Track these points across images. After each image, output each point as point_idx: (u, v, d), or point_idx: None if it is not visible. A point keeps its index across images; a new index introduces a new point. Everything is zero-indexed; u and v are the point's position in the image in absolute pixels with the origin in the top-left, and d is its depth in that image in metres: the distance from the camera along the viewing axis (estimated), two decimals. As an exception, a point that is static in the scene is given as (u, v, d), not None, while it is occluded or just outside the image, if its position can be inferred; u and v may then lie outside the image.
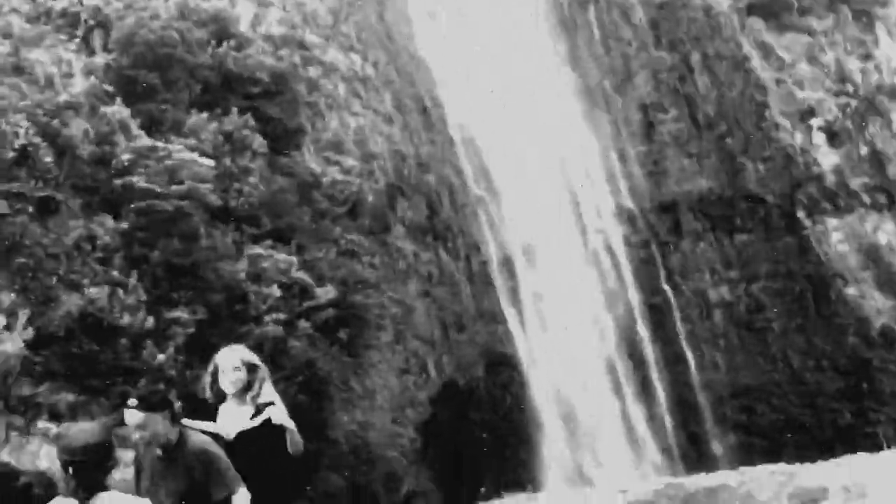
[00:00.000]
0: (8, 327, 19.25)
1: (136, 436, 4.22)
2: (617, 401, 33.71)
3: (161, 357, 21.34)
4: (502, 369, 31.89)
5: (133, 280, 22.51)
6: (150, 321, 21.91)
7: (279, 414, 4.64)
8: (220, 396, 4.70)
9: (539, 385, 32.26)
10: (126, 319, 21.48)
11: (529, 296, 33.47)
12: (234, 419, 4.49)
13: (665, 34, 40.91)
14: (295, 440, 4.61)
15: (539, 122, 34.67)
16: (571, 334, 32.92)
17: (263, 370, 4.72)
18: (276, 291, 23.90)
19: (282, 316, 23.51)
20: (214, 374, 4.65)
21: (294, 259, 25.18)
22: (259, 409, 4.47)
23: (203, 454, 3.93)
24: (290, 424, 4.61)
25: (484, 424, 30.08)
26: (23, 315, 19.88)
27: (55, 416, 19.03)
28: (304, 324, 24.05)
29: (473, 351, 30.54)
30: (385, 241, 28.69)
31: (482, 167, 34.27)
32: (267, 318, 23.33)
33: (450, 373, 28.99)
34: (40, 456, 9.02)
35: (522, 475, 28.97)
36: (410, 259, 29.21)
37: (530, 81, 35.28)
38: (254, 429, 4.43)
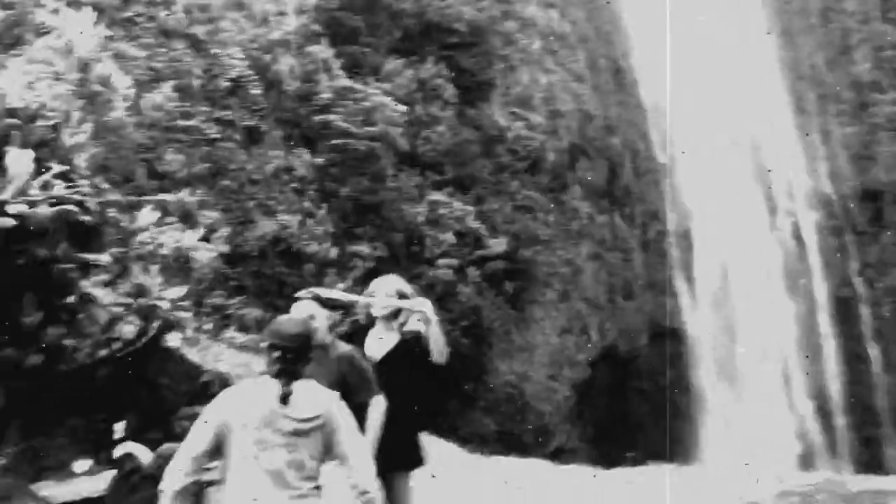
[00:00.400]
0: (206, 240, 21.25)
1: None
2: (786, 391, 32.21)
3: (340, 286, 22.80)
4: (667, 342, 31.34)
5: (323, 212, 24.10)
6: (335, 252, 23.44)
7: (428, 327, 4.90)
8: (371, 321, 5.10)
9: (705, 363, 31.45)
10: (313, 247, 23.09)
11: (704, 271, 32.48)
12: (379, 343, 4.89)
13: (895, 7, 37.50)
14: (439, 348, 4.89)
15: (736, 92, 33.09)
16: (745, 316, 31.68)
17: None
18: (450, 238, 24.73)
19: (454, 262, 24.33)
20: (367, 298, 5.08)
21: (471, 209, 25.89)
22: (404, 338, 4.83)
23: (350, 359, 4.39)
24: (435, 333, 4.87)
25: (641, 394, 29.86)
26: (223, 232, 21.90)
27: (242, 328, 20.90)
28: (473, 272, 24.78)
29: (639, 320, 30.19)
30: (561, 200, 28.75)
31: (669, 135, 33.33)
32: (440, 261, 24.23)
33: (612, 338, 28.88)
34: (222, 359, 10.17)
35: (674, 450, 28.60)
36: (585, 221, 29.13)
37: (732, 50, 33.65)
38: (396, 349, 4.78)
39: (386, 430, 4.59)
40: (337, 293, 5.52)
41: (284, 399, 3.20)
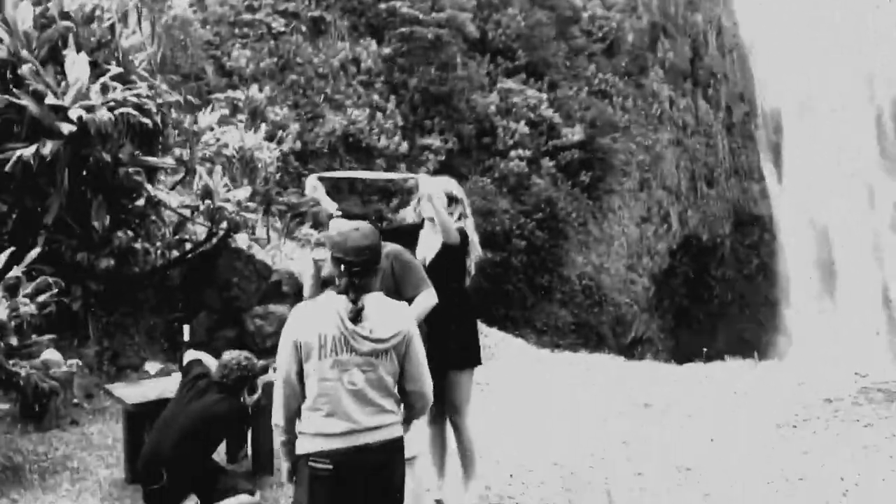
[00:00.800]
0: (273, 138, 21.14)
1: None
2: (878, 282, 30.86)
3: (412, 181, 22.56)
4: (752, 229, 30.31)
5: (391, 105, 23.61)
6: (405, 146, 23.06)
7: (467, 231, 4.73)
8: (421, 221, 4.86)
9: (791, 251, 30.36)
10: (383, 142, 22.75)
11: (793, 155, 30.91)
12: (426, 245, 4.67)
13: None
14: (476, 253, 4.71)
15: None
16: (836, 201, 30.19)
17: (464, 205, 4.78)
18: (523, 128, 24.00)
19: (527, 153, 23.68)
20: (418, 199, 4.81)
21: (544, 96, 24.98)
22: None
23: (397, 254, 4.14)
24: (473, 240, 4.70)
25: (724, 282, 29.15)
26: (293, 129, 21.73)
27: (317, 225, 20.98)
28: (547, 162, 24.11)
29: (722, 207, 29.15)
30: (640, 83, 27.46)
31: (756, 10, 31.18)
32: (513, 153, 23.62)
33: (693, 227, 28.02)
34: (294, 258, 10.06)
35: (756, 340, 28.07)
36: (665, 105, 27.83)
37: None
38: (439, 254, 4.55)
39: (440, 331, 4.36)
40: (370, 174, 5.37)
41: (356, 317, 2.98)
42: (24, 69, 6.52)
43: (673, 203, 27.26)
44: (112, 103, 6.83)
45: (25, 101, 6.48)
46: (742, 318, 28.80)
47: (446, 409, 4.67)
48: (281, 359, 3.06)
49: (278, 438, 3.15)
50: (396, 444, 3.11)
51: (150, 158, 7.43)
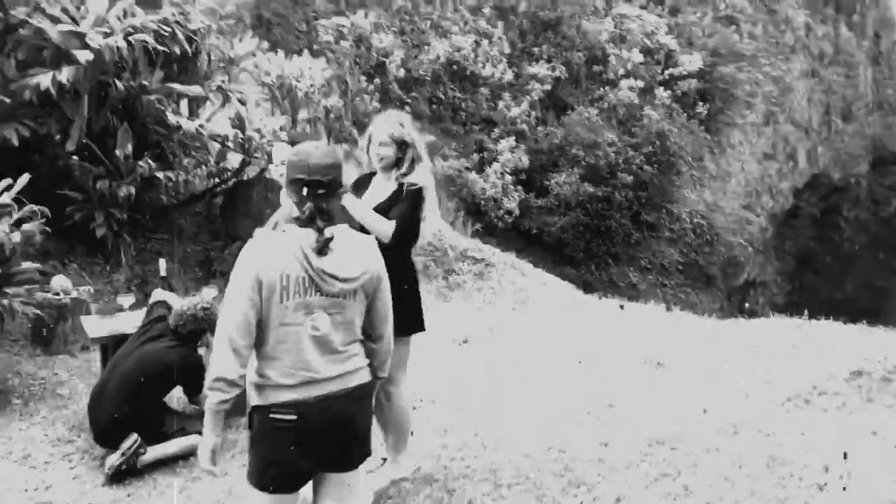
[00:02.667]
0: (381, 66, 21.04)
1: None
2: None
3: (515, 110, 21.98)
4: (893, 169, 27.84)
5: (499, 31, 22.94)
6: (510, 74, 22.44)
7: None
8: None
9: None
10: (488, 70, 22.22)
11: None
12: (376, 194, 4.19)
13: None
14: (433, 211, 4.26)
15: None
16: None
17: (416, 148, 4.21)
18: (637, 56, 22.79)
19: (639, 83, 22.52)
20: (367, 142, 4.33)
21: (663, 22, 23.55)
22: (400, 190, 4.07)
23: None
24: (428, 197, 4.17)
25: (857, 224, 27.08)
26: (397, 56, 21.54)
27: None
28: (662, 93, 22.88)
29: (859, 144, 26.86)
30: (773, 8, 25.37)
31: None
32: (624, 82, 22.54)
33: (823, 165, 26.03)
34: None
35: (890, 287, 26.07)
36: (801, 32, 25.64)
37: None
38: (386, 201, 4.07)
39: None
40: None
41: (323, 249, 2.65)
42: (42, -7, 6.62)
43: (801, 139, 25.35)
44: (131, 30, 6.83)
45: (44, 25, 6.57)
46: (874, 263, 26.73)
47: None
48: (235, 301, 2.64)
49: (220, 396, 2.64)
50: (364, 391, 2.86)
51: (175, 86, 7.46)
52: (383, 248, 3.93)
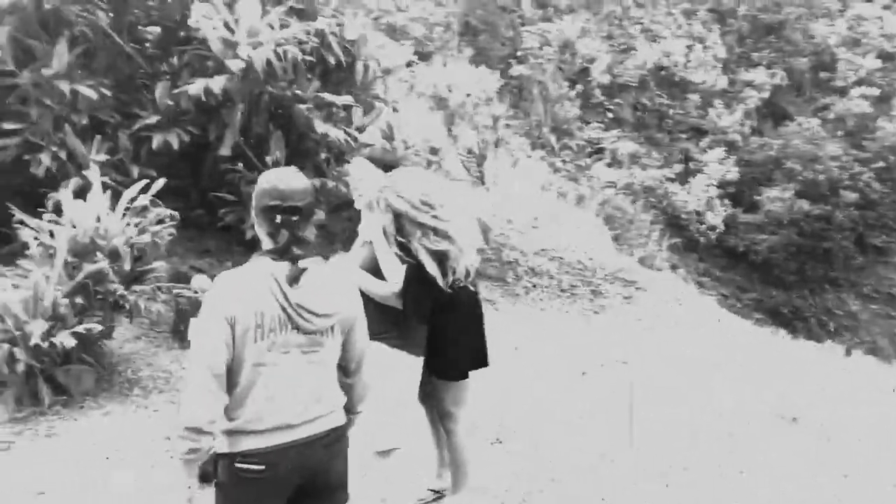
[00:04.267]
0: (584, 72, 20.57)
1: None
2: None
3: (728, 119, 20.65)
4: None
5: (715, 36, 21.65)
6: (724, 80, 21.11)
7: None
8: None
9: None
10: (699, 76, 21.05)
11: None
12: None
13: None
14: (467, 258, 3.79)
15: None
16: None
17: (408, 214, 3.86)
18: (873, 61, 20.54)
19: (874, 90, 20.29)
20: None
21: (909, 22, 21.06)
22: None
23: None
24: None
25: None
26: (603, 61, 20.98)
27: (614, 163, 20.24)
28: (900, 103, 20.45)
29: None
30: None
31: None
32: (855, 90, 20.41)
33: None
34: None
35: None
36: None
37: None
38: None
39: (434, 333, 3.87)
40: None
41: (295, 280, 2.51)
42: (201, 5, 7.02)
43: None
44: (282, 40, 7.09)
45: (207, 35, 6.98)
46: None
47: (438, 413, 4.23)
48: (204, 341, 2.47)
49: (189, 444, 2.44)
50: (338, 434, 2.65)
51: (326, 95, 7.66)
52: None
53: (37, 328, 5.28)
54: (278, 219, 2.52)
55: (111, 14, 7.32)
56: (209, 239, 7.92)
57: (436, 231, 3.64)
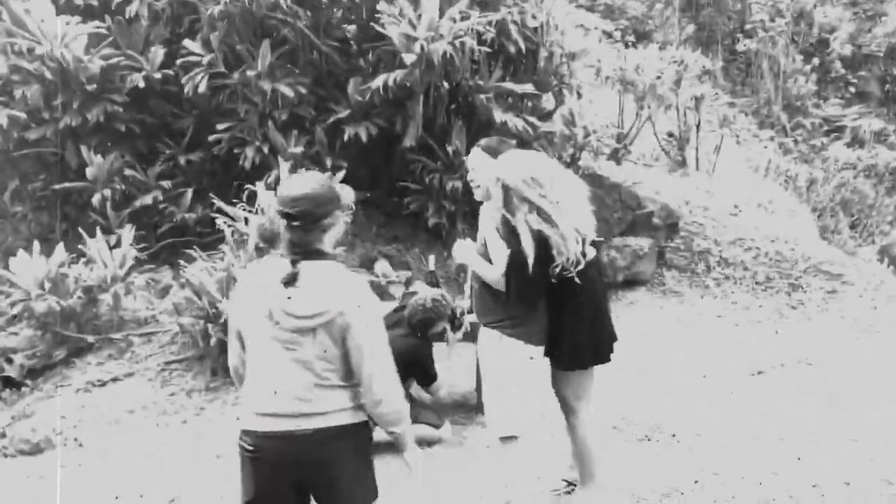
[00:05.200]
0: (822, 43, 18.94)
1: None
2: None
3: None
4: None
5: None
6: None
7: None
8: None
9: None
10: (963, 42, 18.55)
11: None
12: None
13: None
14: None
15: None
16: None
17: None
18: None
19: None
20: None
21: None
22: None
23: None
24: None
25: None
26: (844, 30, 19.15)
27: (856, 142, 18.48)
28: None
29: None
30: None
31: None
32: None
33: None
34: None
35: None
36: None
37: None
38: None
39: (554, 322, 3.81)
40: None
41: (289, 282, 2.65)
42: (386, 4, 7.33)
43: None
44: (461, 32, 7.23)
45: (389, 31, 7.29)
46: None
47: (560, 404, 4.15)
48: (229, 332, 2.86)
49: None
50: (335, 434, 2.68)
51: (507, 84, 7.69)
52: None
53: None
54: (284, 223, 2.69)
55: (309, 13, 7.84)
56: (397, 225, 8.29)
57: (539, 211, 3.60)
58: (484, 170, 3.92)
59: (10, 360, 6.44)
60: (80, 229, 6.95)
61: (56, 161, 7.99)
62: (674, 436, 4.92)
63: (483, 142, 4.06)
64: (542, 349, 3.81)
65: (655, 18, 19.44)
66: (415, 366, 5.06)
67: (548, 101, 8.19)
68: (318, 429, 2.65)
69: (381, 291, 7.09)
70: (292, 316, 2.64)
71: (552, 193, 3.64)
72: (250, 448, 2.68)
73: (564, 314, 3.83)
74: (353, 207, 3.17)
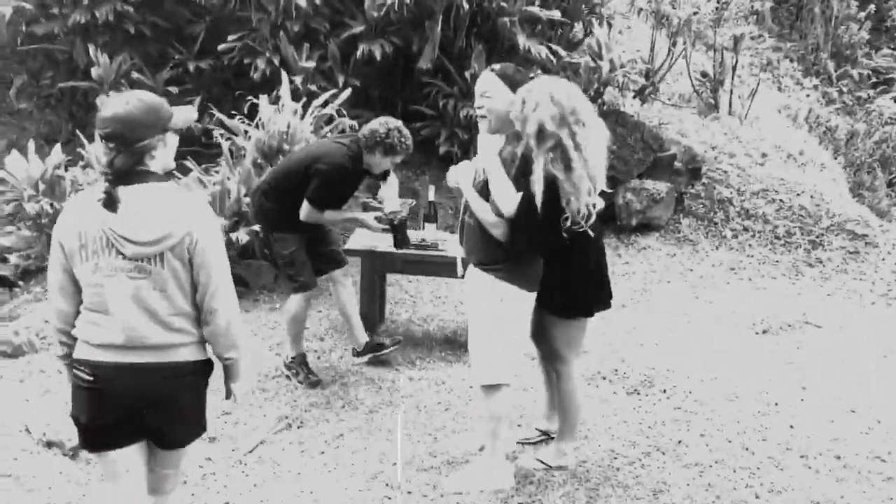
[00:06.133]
0: None
1: None
2: None
3: None
4: None
5: None
6: None
7: None
8: None
9: None
10: None
11: None
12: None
13: None
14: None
15: None
16: None
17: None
18: None
19: None
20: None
21: None
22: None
23: None
24: None
25: None
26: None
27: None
28: None
29: None
30: None
31: None
32: None
33: None
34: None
35: None
36: None
37: None
38: None
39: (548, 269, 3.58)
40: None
41: (108, 206, 2.49)
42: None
43: None
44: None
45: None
46: None
47: (546, 355, 3.94)
48: (50, 262, 2.66)
49: (59, 349, 2.75)
50: (185, 369, 2.63)
51: (533, 9, 7.29)
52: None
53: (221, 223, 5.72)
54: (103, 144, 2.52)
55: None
56: (410, 151, 8.03)
57: (563, 153, 3.33)
58: (500, 98, 3.57)
59: (4, 259, 6.38)
60: (78, 132, 6.78)
61: (65, 59, 7.79)
62: (664, 391, 4.74)
63: (498, 67, 3.60)
64: (533, 295, 3.61)
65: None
66: (314, 176, 4.64)
67: (577, 30, 7.78)
68: (162, 363, 2.60)
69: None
70: (136, 243, 2.49)
71: (582, 135, 3.37)
72: (89, 378, 2.58)
73: (570, 263, 3.61)
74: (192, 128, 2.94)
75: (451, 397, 4.71)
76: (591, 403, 4.57)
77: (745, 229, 7.59)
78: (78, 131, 6.83)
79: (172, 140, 2.62)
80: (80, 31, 7.44)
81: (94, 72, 7.27)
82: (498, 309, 3.53)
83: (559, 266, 3.61)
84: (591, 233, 3.49)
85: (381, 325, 5.69)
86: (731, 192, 7.91)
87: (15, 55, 7.68)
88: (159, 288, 2.55)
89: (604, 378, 4.93)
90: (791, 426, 4.34)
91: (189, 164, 6.19)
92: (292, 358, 4.93)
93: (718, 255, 7.33)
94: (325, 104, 6.31)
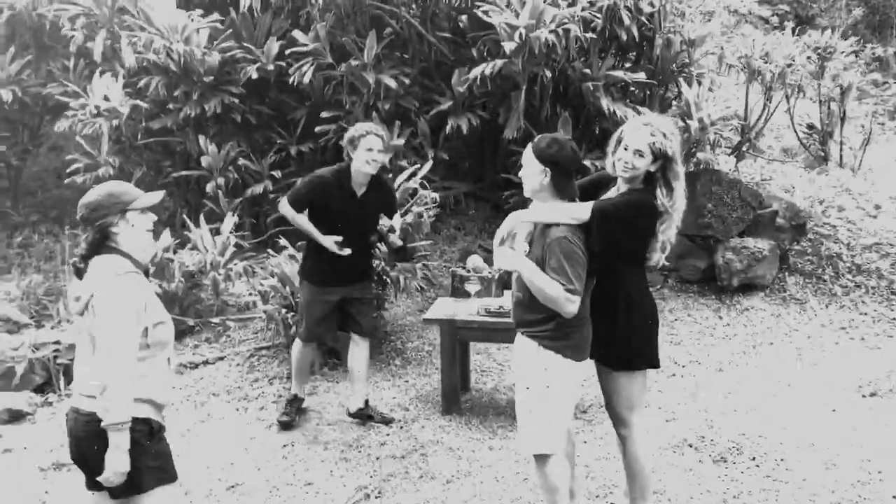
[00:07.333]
0: None
1: None
2: None
3: None
4: None
5: None
6: None
7: None
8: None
9: None
10: None
11: None
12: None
13: None
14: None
15: None
16: None
17: (676, 166, 3.46)
18: None
19: None
20: (615, 143, 3.61)
21: None
22: None
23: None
24: None
25: None
26: None
27: None
28: None
29: None
30: None
31: None
32: None
33: None
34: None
35: None
36: None
37: None
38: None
39: (604, 319, 3.51)
40: None
41: (77, 275, 3.02)
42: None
43: None
44: (565, 19, 6.93)
45: (493, 19, 7.08)
46: None
47: (610, 416, 3.80)
48: None
49: None
50: (86, 418, 2.85)
51: (617, 73, 7.30)
52: (623, 264, 3.43)
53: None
54: None
55: (416, 3, 7.79)
56: (501, 219, 8.10)
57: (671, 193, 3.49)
58: (528, 167, 3.59)
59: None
60: (185, 216, 7.25)
61: (180, 150, 8.40)
62: (753, 458, 4.49)
63: (537, 138, 3.58)
64: (582, 364, 3.53)
65: (820, 2, 17.99)
66: None
67: (670, 90, 7.71)
68: (78, 411, 2.91)
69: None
70: (74, 302, 2.97)
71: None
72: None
73: (626, 313, 3.55)
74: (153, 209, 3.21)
75: (530, 468, 4.63)
76: (675, 472, 4.39)
77: (858, 285, 7.16)
78: (185, 216, 7.32)
79: (140, 220, 2.99)
80: (192, 123, 8.03)
81: (203, 160, 7.80)
82: (542, 377, 3.46)
83: (610, 317, 3.54)
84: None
85: (464, 394, 5.69)
86: (841, 247, 7.51)
87: (133, 149, 8.35)
88: (85, 342, 2.96)
89: (690, 445, 4.73)
90: (894, 496, 4.01)
91: (282, 241, 6.49)
92: (299, 397, 5.36)
93: (828, 313, 6.93)
94: (411, 177, 6.50)
